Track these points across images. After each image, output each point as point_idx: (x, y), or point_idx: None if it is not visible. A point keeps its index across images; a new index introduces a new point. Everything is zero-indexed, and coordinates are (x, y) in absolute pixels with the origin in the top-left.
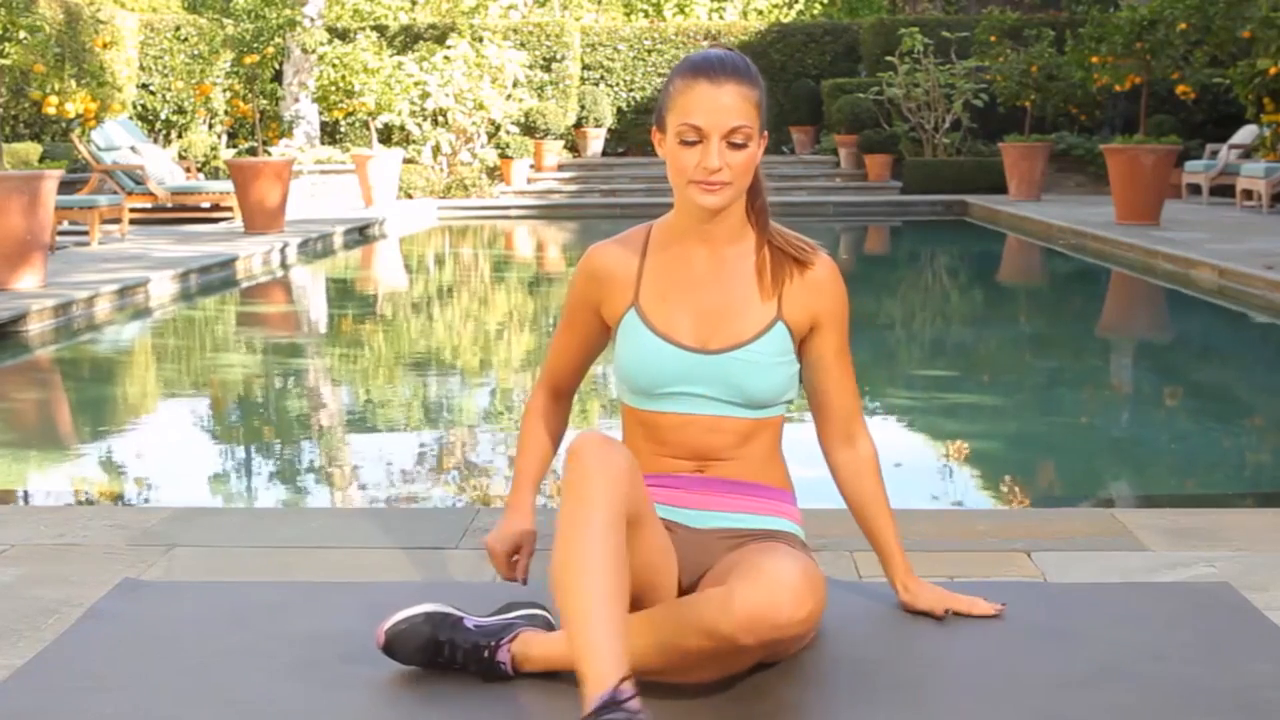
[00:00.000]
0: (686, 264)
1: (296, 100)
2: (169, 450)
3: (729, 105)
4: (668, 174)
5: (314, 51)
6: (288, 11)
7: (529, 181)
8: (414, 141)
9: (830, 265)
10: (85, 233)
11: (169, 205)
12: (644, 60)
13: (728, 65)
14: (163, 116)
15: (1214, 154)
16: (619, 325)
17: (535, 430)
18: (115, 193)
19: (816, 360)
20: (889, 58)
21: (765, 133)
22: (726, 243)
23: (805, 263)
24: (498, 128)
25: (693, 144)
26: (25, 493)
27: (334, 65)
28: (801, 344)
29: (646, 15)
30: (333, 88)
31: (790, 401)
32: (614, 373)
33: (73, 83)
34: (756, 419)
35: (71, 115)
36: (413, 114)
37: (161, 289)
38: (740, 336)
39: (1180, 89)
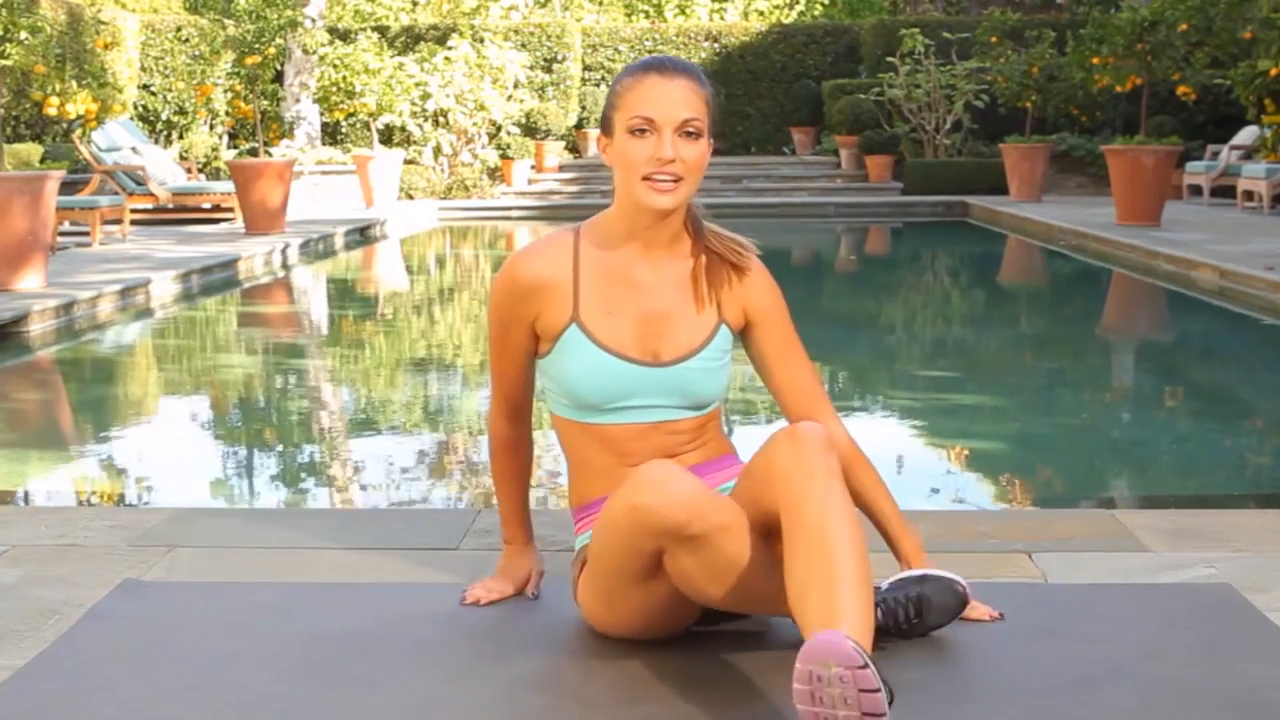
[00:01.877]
0: (625, 273)
1: (298, 101)
2: (170, 451)
3: (680, 98)
4: (614, 177)
5: (315, 52)
6: (289, 12)
7: (530, 182)
8: (415, 142)
9: (759, 264)
10: (86, 233)
11: (170, 206)
12: None
13: (678, 63)
14: (164, 117)
15: (1215, 155)
16: (559, 340)
17: (508, 465)
18: (116, 193)
19: (761, 359)
20: (890, 59)
21: (713, 140)
22: (664, 249)
23: (741, 267)
24: (499, 128)
25: (643, 134)
26: (26, 493)
27: (335, 66)
28: (743, 341)
29: (647, 16)
30: (334, 88)
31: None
32: (551, 387)
33: (74, 84)
34: (705, 415)
35: (73, 116)
36: (414, 115)
37: (163, 289)
38: (690, 346)
39: (1181, 90)
